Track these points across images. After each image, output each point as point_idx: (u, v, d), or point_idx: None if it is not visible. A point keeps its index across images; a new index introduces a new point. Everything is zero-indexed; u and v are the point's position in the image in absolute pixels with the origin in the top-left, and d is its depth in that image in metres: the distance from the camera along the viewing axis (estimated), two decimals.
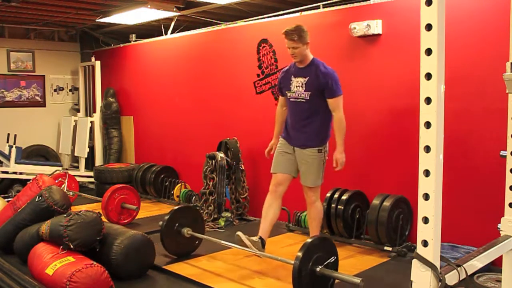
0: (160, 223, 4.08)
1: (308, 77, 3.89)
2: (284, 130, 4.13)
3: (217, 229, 5.02)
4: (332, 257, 3.13)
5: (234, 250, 4.28)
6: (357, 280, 2.94)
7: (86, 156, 7.60)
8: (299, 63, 3.95)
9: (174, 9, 6.07)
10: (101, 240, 3.57)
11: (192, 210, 4.36)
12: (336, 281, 3.13)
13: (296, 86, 3.94)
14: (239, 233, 3.84)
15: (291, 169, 4.04)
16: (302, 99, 3.91)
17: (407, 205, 4.28)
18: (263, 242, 3.97)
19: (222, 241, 4.03)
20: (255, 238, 3.89)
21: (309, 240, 3.10)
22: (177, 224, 4.07)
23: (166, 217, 4.05)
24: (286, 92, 4.02)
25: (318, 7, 5.00)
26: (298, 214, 4.84)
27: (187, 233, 4.08)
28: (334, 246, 3.23)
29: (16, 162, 6.86)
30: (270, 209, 4.03)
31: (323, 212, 4.19)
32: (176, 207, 4.26)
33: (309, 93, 3.88)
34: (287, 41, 3.86)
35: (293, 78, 3.97)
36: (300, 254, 2.95)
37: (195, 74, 6.44)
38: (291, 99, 3.99)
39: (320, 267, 3.02)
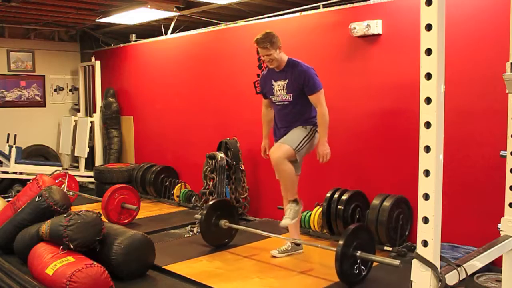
0: (198, 216, 4.34)
1: (287, 79, 3.90)
2: (274, 134, 4.15)
3: None
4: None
5: (234, 250, 4.30)
6: (396, 262, 3.20)
7: (86, 156, 7.60)
8: (276, 67, 3.96)
9: (174, 9, 6.06)
10: (101, 240, 3.57)
11: (227, 203, 4.60)
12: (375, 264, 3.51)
13: (278, 90, 3.96)
14: (272, 252, 4.11)
15: None
16: (286, 101, 3.94)
17: (407, 205, 4.29)
18: (296, 243, 4.16)
19: (260, 231, 4.26)
20: (286, 246, 4.14)
21: (348, 229, 3.46)
22: (214, 217, 4.29)
23: (204, 211, 4.29)
24: (271, 96, 4.06)
25: (318, 7, 5.00)
26: None
27: (224, 224, 4.30)
28: (372, 233, 3.64)
29: (16, 162, 6.86)
30: None
31: (291, 174, 3.90)
32: (212, 202, 4.48)
33: (291, 94, 3.90)
34: (260, 50, 3.86)
35: (274, 82, 3.99)
36: (341, 242, 3.30)
37: (195, 74, 6.44)
38: (277, 103, 4.02)
39: (360, 251, 3.36)
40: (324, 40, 4.89)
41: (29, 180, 4.91)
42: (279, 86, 3.95)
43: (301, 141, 3.86)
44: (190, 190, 6.26)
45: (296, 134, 3.90)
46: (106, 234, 3.60)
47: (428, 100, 1.63)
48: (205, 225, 4.26)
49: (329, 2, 4.93)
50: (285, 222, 3.90)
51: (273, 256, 4.08)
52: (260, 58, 5.44)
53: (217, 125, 6.12)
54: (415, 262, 1.71)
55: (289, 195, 3.97)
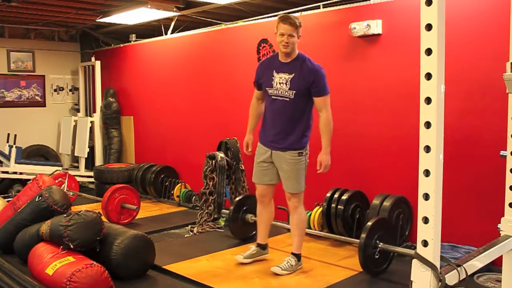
0: (227, 211, 4.66)
1: (293, 74, 3.53)
2: (261, 131, 3.81)
3: (217, 229, 5.02)
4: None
5: (234, 250, 4.29)
6: None
7: (86, 156, 7.60)
8: (284, 57, 3.59)
9: (174, 9, 6.06)
10: (101, 240, 3.58)
11: (253, 198, 4.62)
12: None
13: (279, 83, 3.57)
14: (237, 257, 3.94)
15: (270, 178, 3.79)
16: (286, 97, 3.56)
17: (407, 205, 4.28)
18: (262, 247, 3.99)
19: (286, 225, 4.41)
20: (252, 250, 3.95)
21: (370, 223, 3.57)
22: (241, 212, 4.56)
23: (232, 207, 4.56)
24: (267, 88, 3.65)
25: (318, 7, 5.00)
26: None
27: (251, 219, 4.54)
28: (394, 226, 3.80)
29: (16, 162, 6.86)
30: (262, 216, 3.96)
31: (307, 220, 4.01)
32: (239, 197, 4.70)
33: (294, 92, 3.53)
34: (286, 26, 3.46)
35: (275, 74, 3.60)
36: (364, 235, 3.47)
37: (195, 74, 6.44)
38: (273, 97, 3.62)
39: (382, 243, 3.53)
40: (324, 40, 4.89)
41: (29, 180, 4.91)
42: (281, 79, 3.56)
43: (303, 177, 3.66)
44: (190, 190, 6.26)
45: (296, 175, 3.63)
46: (106, 234, 3.60)
47: (428, 100, 1.63)
48: (233, 219, 4.52)
49: (329, 2, 4.93)
50: (275, 269, 3.66)
51: (241, 263, 3.91)
52: (260, 58, 5.46)
53: (217, 125, 6.12)
54: (415, 262, 1.71)
55: (295, 244, 3.76)
